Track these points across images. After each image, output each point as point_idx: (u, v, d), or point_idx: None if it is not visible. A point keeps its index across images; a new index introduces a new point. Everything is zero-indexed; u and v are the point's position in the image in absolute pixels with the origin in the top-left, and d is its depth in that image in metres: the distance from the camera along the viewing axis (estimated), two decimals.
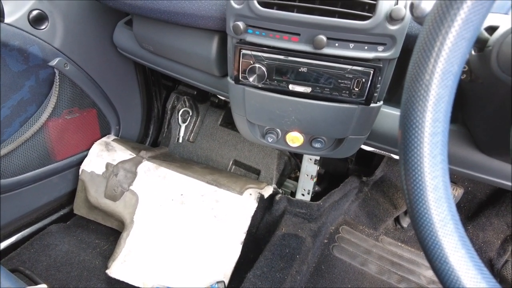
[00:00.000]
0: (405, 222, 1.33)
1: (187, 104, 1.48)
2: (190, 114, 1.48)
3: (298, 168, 1.43)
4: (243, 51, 0.63)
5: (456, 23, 0.27)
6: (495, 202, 1.20)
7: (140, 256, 1.05)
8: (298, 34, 0.59)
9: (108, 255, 1.09)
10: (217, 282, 1.00)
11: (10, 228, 1.10)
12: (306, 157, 1.26)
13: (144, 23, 0.90)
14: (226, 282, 1.01)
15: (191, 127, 1.48)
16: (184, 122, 1.47)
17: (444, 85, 0.28)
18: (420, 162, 0.30)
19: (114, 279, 1.01)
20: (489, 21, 0.43)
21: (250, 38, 0.62)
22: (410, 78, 0.30)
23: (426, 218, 0.31)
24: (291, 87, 0.65)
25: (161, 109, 1.51)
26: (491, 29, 0.42)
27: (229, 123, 1.46)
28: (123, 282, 1.01)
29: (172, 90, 1.51)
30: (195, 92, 1.48)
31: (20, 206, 1.09)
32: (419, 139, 0.30)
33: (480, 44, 0.43)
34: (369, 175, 1.33)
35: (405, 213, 1.33)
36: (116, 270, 1.02)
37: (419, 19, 0.38)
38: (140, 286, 1.00)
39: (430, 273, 1.23)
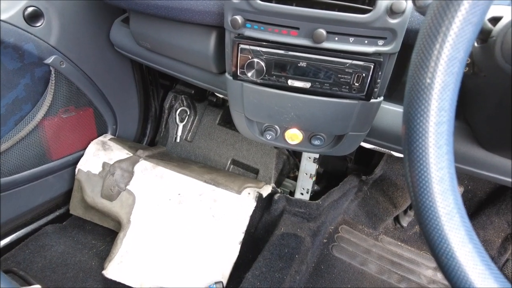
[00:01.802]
0: (405, 221, 1.32)
1: (185, 103, 1.47)
2: (188, 113, 1.47)
3: (296, 167, 1.42)
4: (242, 46, 0.62)
5: (462, 7, 0.26)
6: (496, 201, 1.19)
7: (137, 257, 1.03)
8: (297, 28, 0.58)
9: (104, 255, 1.08)
10: (215, 283, 0.98)
11: (5, 228, 1.08)
12: (305, 156, 1.25)
13: (141, 19, 0.88)
14: (225, 282, 0.99)
15: (188, 126, 1.47)
16: (181, 121, 1.46)
17: (450, 72, 0.27)
18: (425, 153, 0.29)
19: (111, 280, 0.99)
20: (492, 12, 0.42)
21: (248, 32, 0.61)
22: (414, 65, 0.29)
23: (432, 212, 0.30)
24: (290, 82, 0.64)
25: (159, 108, 1.49)
26: (495, 20, 0.42)
27: (227, 122, 1.45)
28: (119, 283, 0.99)
29: (170, 89, 1.50)
30: (193, 91, 1.47)
31: (15, 206, 1.08)
32: (424, 129, 0.29)
33: (484, 35, 0.42)
34: (369, 174, 1.32)
35: (405, 212, 1.32)
36: (112, 271, 1.00)
37: (421, 9, 0.37)
38: (137, 287, 0.99)
39: (430, 273, 1.22)
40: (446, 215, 0.29)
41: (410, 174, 0.30)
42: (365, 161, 1.40)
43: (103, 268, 1.01)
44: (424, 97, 0.28)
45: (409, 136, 0.30)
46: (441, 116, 0.28)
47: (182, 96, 1.46)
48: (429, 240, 0.31)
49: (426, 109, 0.28)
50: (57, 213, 1.22)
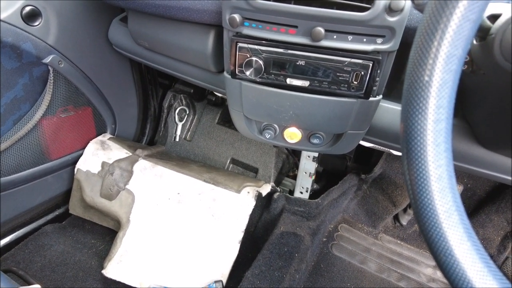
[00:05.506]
0: (404, 220, 1.32)
1: (184, 102, 1.47)
2: (187, 112, 1.47)
3: (296, 166, 1.41)
4: (240, 45, 0.62)
5: (460, 4, 0.26)
6: (495, 199, 1.19)
7: (137, 256, 1.03)
8: (296, 27, 0.58)
9: (104, 255, 1.08)
10: (215, 282, 0.98)
11: (4, 228, 1.08)
12: (304, 155, 1.25)
13: (139, 18, 0.88)
14: (224, 281, 0.99)
15: (188, 125, 1.47)
16: (181, 120, 1.46)
17: (448, 70, 0.27)
18: (423, 151, 0.29)
19: (110, 279, 0.99)
20: (491, 9, 0.42)
21: (246, 31, 0.61)
22: (412, 63, 0.29)
23: (430, 210, 0.29)
24: (289, 81, 0.64)
25: (158, 107, 1.49)
26: (493, 18, 0.41)
27: (226, 121, 1.45)
28: (119, 283, 0.99)
29: (169, 89, 1.50)
30: (192, 91, 1.46)
31: (14, 206, 1.08)
32: (422, 127, 0.29)
33: (483, 33, 0.42)
34: (368, 173, 1.32)
35: (404, 210, 1.32)
36: (112, 270, 1.00)
37: (420, 6, 0.37)
38: (136, 286, 0.99)
39: (429, 271, 1.22)
40: (444, 213, 0.29)
41: (409, 172, 0.30)
42: (364, 159, 1.40)
43: (102, 268, 1.01)
44: (422, 94, 0.28)
45: (407, 134, 0.30)
46: (439, 114, 0.28)
47: (181, 95, 1.46)
48: (427, 238, 0.30)
49: (424, 106, 0.28)
50: (56, 212, 1.22)
